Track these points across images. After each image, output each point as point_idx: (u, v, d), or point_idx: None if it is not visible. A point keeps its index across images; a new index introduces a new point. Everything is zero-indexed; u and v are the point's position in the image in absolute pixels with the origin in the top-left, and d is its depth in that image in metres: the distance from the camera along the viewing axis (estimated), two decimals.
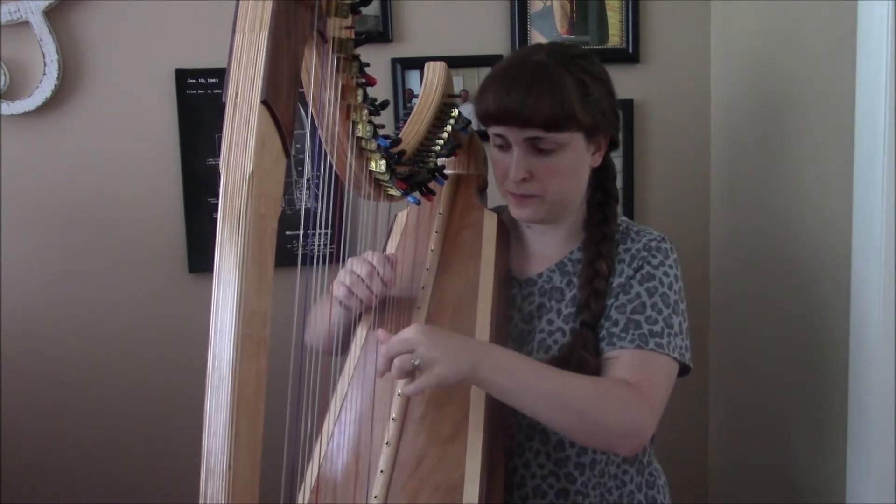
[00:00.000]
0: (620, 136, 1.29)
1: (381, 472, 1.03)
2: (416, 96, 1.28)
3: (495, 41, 1.88)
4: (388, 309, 1.20)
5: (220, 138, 0.72)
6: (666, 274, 1.16)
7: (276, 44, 0.69)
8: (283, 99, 0.69)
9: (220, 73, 1.77)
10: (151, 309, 1.83)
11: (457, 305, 1.17)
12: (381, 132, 1.03)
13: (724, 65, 1.93)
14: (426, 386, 0.99)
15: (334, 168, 1.01)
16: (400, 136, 1.13)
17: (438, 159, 1.24)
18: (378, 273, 1.15)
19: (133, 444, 1.85)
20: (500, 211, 1.33)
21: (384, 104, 1.04)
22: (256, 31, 0.69)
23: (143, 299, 1.82)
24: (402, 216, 1.35)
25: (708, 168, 2.01)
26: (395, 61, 1.84)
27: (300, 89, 0.73)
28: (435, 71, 1.27)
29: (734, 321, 1.94)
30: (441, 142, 1.24)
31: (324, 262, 1.36)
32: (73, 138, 1.76)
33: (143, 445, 1.85)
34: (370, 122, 1.01)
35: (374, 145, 1.02)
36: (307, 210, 1.75)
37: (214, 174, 1.78)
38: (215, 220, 0.68)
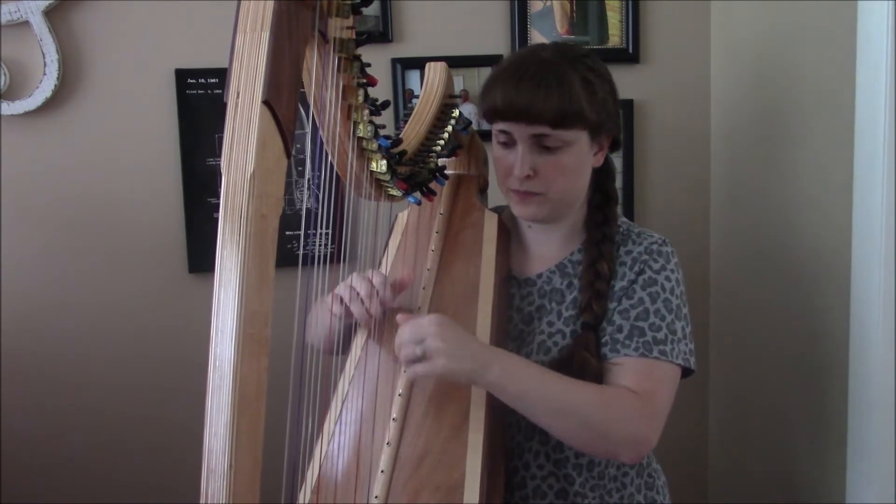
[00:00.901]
0: (622, 137, 1.28)
1: (382, 471, 1.03)
2: (417, 96, 1.28)
3: (495, 41, 1.88)
4: (389, 309, 1.19)
5: (220, 138, 0.72)
6: (668, 279, 1.16)
7: (278, 44, 0.69)
8: (284, 99, 0.69)
9: (221, 73, 1.78)
10: (152, 309, 1.83)
11: (457, 305, 1.17)
12: (381, 132, 1.03)
13: (724, 65, 1.93)
14: (425, 373, 1.01)
15: (335, 168, 1.01)
16: (401, 136, 1.13)
17: (439, 160, 1.24)
18: (377, 293, 1.14)
19: (133, 444, 1.85)
20: (500, 211, 1.33)
21: (385, 104, 1.04)
22: (258, 31, 0.69)
23: (144, 299, 1.82)
24: (402, 216, 1.35)
25: (708, 168, 2.01)
26: (395, 61, 1.84)
27: (301, 89, 0.74)
28: (436, 71, 1.27)
29: (734, 321, 1.94)
30: (442, 142, 1.24)
31: (324, 262, 1.36)
32: (73, 138, 1.76)
33: (143, 445, 1.85)
34: (371, 122, 1.01)
35: (375, 145, 1.02)
36: (308, 210, 1.75)
37: (214, 174, 1.78)
38: (215, 220, 0.68)
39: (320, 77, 0.88)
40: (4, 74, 1.70)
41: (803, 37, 1.61)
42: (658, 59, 1.95)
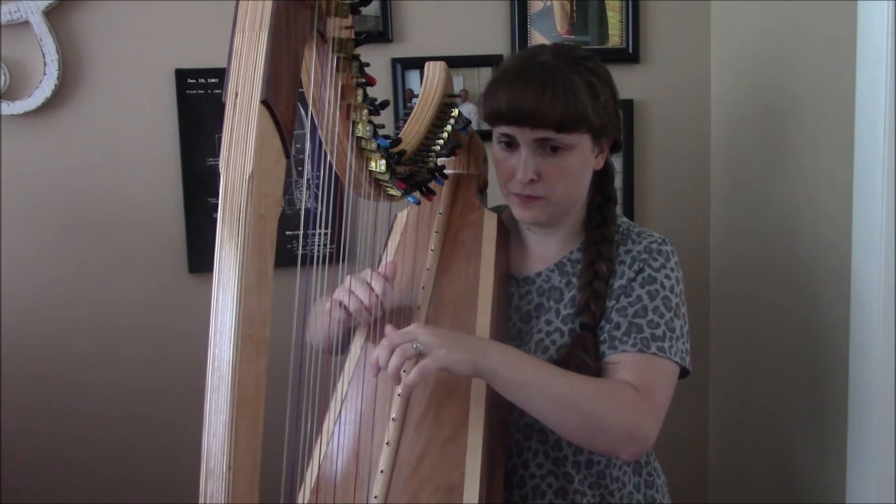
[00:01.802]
0: (622, 138, 1.28)
1: (381, 472, 1.03)
2: (416, 96, 1.28)
3: (495, 41, 1.88)
4: (389, 309, 1.19)
5: (220, 138, 0.72)
6: (667, 277, 1.15)
7: (276, 44, 0.69)
8: (283, 99, 0.69)
9: (220, 73, 1.77)
10: (151, 309, 1.83)
11: (457, 305, 1.17)
12: (381, 132, 1.03)
13: (724, 65, 1.93)
14: (430, 369, 0.98)
15: (334, 168, 1.01)
16: (400, 135, 1.13)
17: (438, 159, 1.24)
18: (377, 297, 1.13)
19: (133, 444, 1.85)
20: (500, 210, 1.33)
21: (384, 104, 1.04)
22: (256, 31, 0.69)
23: (144, 299, 1.82)
24: (402, 216, 1.35)
25: (708, 168, 2.00)
26: (395, 61, 1.84)
27: (300, 89, 0.73)
28: (435, 70, 1.27)
29: (734, 321, 1.94)
30: (441, 142, 1.24)
31: (324, 262, 1.36)
32: (73, 138, 1.76)
33: (142, 445, 1.85)
34: (370, 121, 1.01)
35: (374, 145, 1.02)
36: (307, 210, 1.75)
37: (214, 174, 1.78)
38: (215, 220, 0.68)
39: (319, 77, 0.88)
40: (4, 74, 1.70)
41: (803, 37, 1.61)
42: (658, 59, 1.95)
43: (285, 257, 1.51)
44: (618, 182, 1.26)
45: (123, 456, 1.85)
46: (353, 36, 0.90)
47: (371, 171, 1.06)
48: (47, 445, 1.82)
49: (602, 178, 1.24)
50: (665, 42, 1.94)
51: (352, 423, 1.10)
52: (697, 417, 2.07)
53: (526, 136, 1.12)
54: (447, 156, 1.29)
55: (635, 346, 1.10)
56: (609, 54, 1.89)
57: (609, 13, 1.91)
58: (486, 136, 1.45)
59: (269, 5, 0.69)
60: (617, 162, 1.83)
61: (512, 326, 1.21)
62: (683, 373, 1.14)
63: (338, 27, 0.87)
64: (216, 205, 0.70)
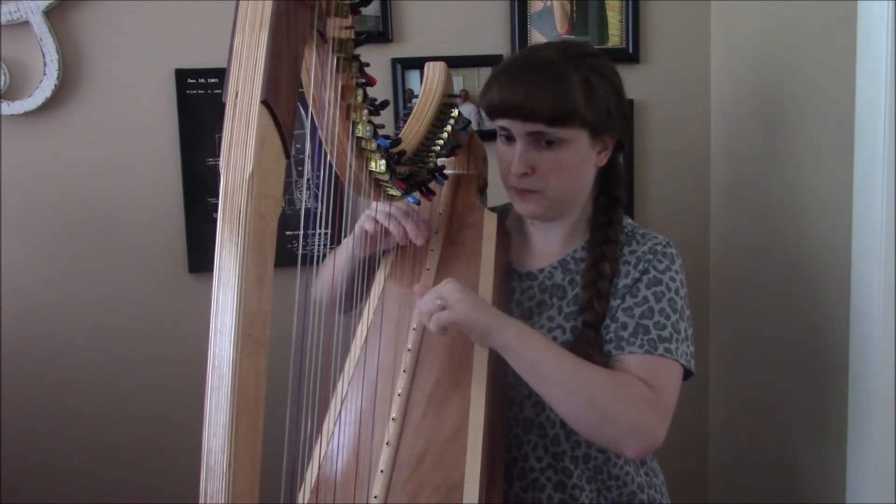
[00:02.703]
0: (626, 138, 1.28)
1: (382, 471, 1.03)
2: (416, 96, 1.28)
3: (495, 41, 1.88)
4: (389, 309, 1.20)
5: (220, 138, 0.72)
6: (672, 279, 1.16)
7: (277, 44, 0.69)
8: (283, 99, 0.69)
9: (220, 73, 1.77)
10: (151, 309, 1.83)
11: None
12: (380, 132, 1.03)
13: (724, 65, 1.93)
14: (448, 320, 1.02)
15: (334, 168, 1.01)
16: (400, 136, 1.13)
17: (438, 159, 1.24)
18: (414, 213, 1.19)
19: (133, 443, 1.85)
20: (501, 210, 1.33)
21: (384, 104, 1.04)
22: (257, 31, 0.69)
23: (144, 299, 1.82)
24: None
25: (708, 168, 2.01)
26: (395, 61, 1.84)
27: (300, 89, 0.74)
28: (435, 71, 1.27)
29: (734, 320, 1.94)
30: (441, 142, 1.24)
31: (323, 262, 1.36)
32: (73, 138, 1.76)
33: (143, 445, 1.85)
34: (370, 122, 1.01)
35: (374, 145, 1.02)
36: (307, 210, 1.75)
37: (214, 174, 1.78)
38: (215, 220, 0.68)
39: (319, 77, 0.88)
40: (4, 74, 1.70)
41: (803, 37, 1.61)
42: (658, 59, 1.95)
43: (285, 257, 1.51)
44: None
45: (123, 456, 1.85)
46: (353, 36, 0.90)
47: (371, 171, 1.06)
48: (47, 445, 1.82)
49: (609, 179, 1.24)
50: (665, 42, 1.94)
51: (352, 423, 1.10)
52: (697, 417, 2.07)
53: (519, 129, 1.13)
54: (447, 156, 1.29)
55: (642, 347, 1.11)
56: (609, 54, 1.88)
57: (609, 13, 1.91)
58: (487, 136, 1.45)
59: (269, 5, 0.69)
60: None
61: None
62: (687, 374, 1.14)
63: (338, 27, 0.87)
64: (216, 205, 0.70)
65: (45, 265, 1.78)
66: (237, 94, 0.68)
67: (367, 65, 0.96)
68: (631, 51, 1.92)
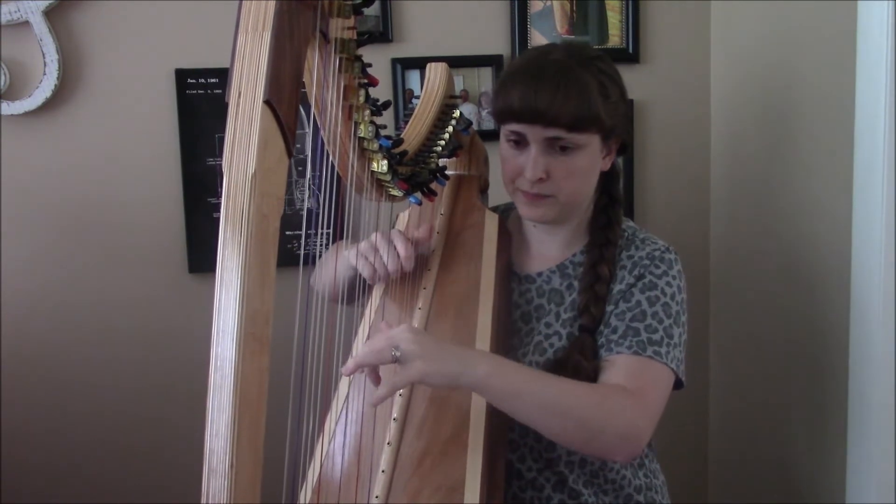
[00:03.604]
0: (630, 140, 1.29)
1: (383, 471, 1.03)
2: (417, 97, 1.29)
3: (495, 41, 1.88)
4: (390, 309, 1.20)
5: (220, 138, 0.72)
6: (669, 284, 1.15)
7: (279, 44, 0.69)
8: (285, 99, 0.69)
9: (220, 73, 1.78)
10: (152, 309, 1.83)
11: (458, 306, 1.17)
12: (382, 133, 1.03)
13: (724, 65, 1.93)
14: (404, 381, 0.97)
15: (336, 168, 1.01)
16: (402, 136, 1.14)
17: (440, 160, 1.24)
18: (401, 263, 1.16)
19: (134, 444, 1.85)
20: (502, 210, 1.33)
21: (386, 105, 1.04)
22: (259, 31, 0.69)
23: (144, 300, 1.82)
24: (403, 216, 1.35)
25: (708, 168, 2.01)
26: (395, 61, 1.84)
27: (302, 90, 0.74)
28: (437, 71, 1.27)
29: (734, 321, 1.94)
30: (442, 142, 1.24)
31: (327, 252, 1.36)
32: (73, 138, 1.76)
33: (144, 446, 1.85)
34: (372, 122, 1.01)
35: (376, 146, 1.03)
36: (308, 210, 1.75)
37: (214, 174, 1.78)
38: (215, 220, 0.68)
39: (321, 77, 0.88)
40: (4, 74, 1.70)
41: (803, 37, 1.61)
42: (658, 59, 1.95)
43: (287, 257, 1.51)
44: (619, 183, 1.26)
45: (123, 456, 1.85)
46: (355, 36, 0.90)
47: (373, 172, 1.06)
48: (47, 445, 1.82)
49: (608, 180, 1.24)
50: (665, 42, 1.95)
51: (353, 423, 1.10)
52: (697, 417, 2.07)
53: (537, 135, 1.12)
54: (448, 157, 1.30)
55: (630, 347, 1.10)
56: (609, 54, 1.87)
57: (609, 13, 1.91)
58: (487, 136, 1.45)
59: (272, 5, 0.69)
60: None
61: (512, 324, 1.21)
62: (678, 384, 1.13)
63: (340, 28, 0.87)
64: (216, 205, 0.70)
65: (45, 265, 1.78)
66: (240, 93, 0.69)
67: (370, 65, 0.96)
68: (631, 51, 1.92)
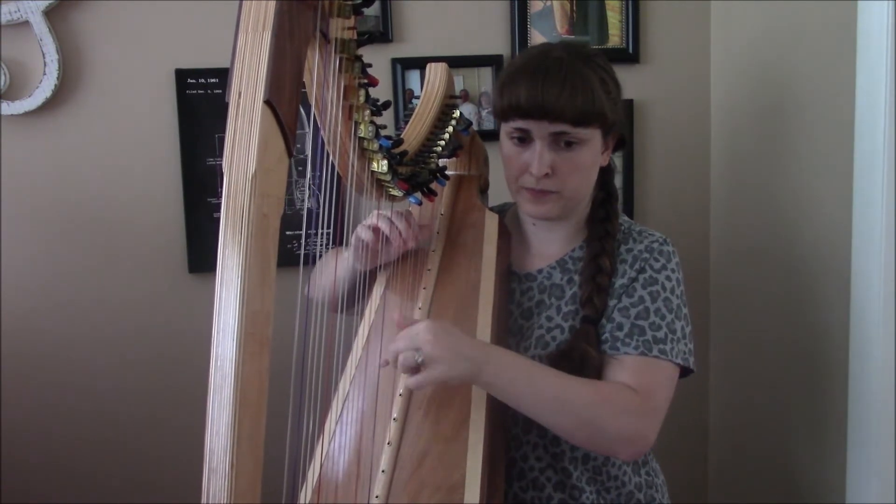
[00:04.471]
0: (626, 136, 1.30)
1: (383, 471, 1.03)
2: (417, 97, 1.29)
3: (495, 41, 1.88)
4: (390, 309, 1.20)
5: (220, 138, 0.72)
6: (668, 278, 1.16)
7: (280, 44, 0.69)
8: (285, 99, 0.69)
9: (221, 73, 1.78)
10: (152, 309, 1.83)
11: (458, 305, 1.17)
12: (382, 133, 1.03)
13: (724, 65, 1.93)
14: (427, 382, 1.01)
15: (336, 168, 1.01)
16: (402, 136, 1.14)
17: (440, 160, 1.24)
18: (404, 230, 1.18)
19: (134, 444, 1.85)
20: (501, 211, 1.33)
21: (386, 105, 1.04)
22: (260, 31, 0.69)
23: (144, 300, 1.82)
24: None
25: (708, 168, 2.01)
26: (395, 61, 1.84)
27: (302, 89, 0.74)
28: (437, 72, 1.27)
29: (734, 320, 1.94)
30: (442, 143, 1.24)
31: (323, 259, 1.36)
32: (73, 138, 1.76)
33: (144, 445, 1.85)
34: (372, 122, 1.01)
35: (376, 146, 1.03)
36: (308, 210, 1.75)
37: (214, 174, 1.78)
38: (215, 220, 0.68)
39: (321, 77, 0.88)
40: (4, 74, 1.70)
41: (803, 37, 1.61)
42: (658, 59, 1.95)
43: (287, 257, 1.51)
44: (618, 181, 1.27)
45: (124, 456, 1.85)
46: (355, 37, 0.90)
47: (373, 172, 1.06)
48: (47, 445, 1.82)
49: (605, 175, 1.25)
50: (665, 42, 1.95)
51: (353, 423, 1.10)
52: (697, 417, 2.07)
53: (542, 130, 1.13)
54: (448, 157, 1.30)
55: (637, 348, 1.11)
56: (609, 54, 1.87)
57: (609, 13, 1.91)
58: (487, 136, 1.45)
59: (272, 5, 0.69)
60: (617, 161, 1.82)
61: (513, 322, 1.21)
62: (686, 371, 1.15)
63: (340, 28, 0.87)
64: (216, 205, 0.70)
65: (45, 265, 1.78)
66: (240, 93, 0.69)
67: (370, 65, 0.96)
68: (631, 51, 1.92)
